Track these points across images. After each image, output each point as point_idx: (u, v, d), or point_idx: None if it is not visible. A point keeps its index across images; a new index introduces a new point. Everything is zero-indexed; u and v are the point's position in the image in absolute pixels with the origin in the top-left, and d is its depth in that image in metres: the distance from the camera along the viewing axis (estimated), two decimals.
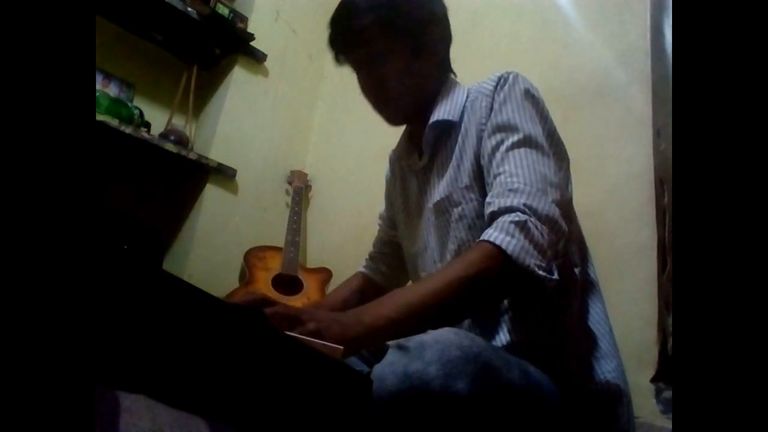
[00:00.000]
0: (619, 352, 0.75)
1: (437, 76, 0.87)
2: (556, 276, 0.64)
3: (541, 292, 0.64)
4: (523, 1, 1.40)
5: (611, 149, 1.08)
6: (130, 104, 1.63)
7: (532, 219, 0.64)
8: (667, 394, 0.89)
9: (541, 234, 0.64)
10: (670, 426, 0.86)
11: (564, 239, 0.68)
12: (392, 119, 0.88)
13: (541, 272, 0.62)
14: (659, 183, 1.01)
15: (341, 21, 0.83)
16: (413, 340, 0.53)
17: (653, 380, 0.91)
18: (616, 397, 0.71)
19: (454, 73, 0.91)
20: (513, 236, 0.62)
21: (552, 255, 0.65)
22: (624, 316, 0.90)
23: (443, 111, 0.82)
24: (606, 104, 1.12)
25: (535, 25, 1.35)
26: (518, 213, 0.65)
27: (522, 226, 0.63)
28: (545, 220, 0.65)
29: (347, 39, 0.83)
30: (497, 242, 0.62)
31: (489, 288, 0.63)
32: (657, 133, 1.04)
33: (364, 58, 0.82)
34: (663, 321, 0.94)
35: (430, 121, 0.82)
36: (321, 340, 0.52)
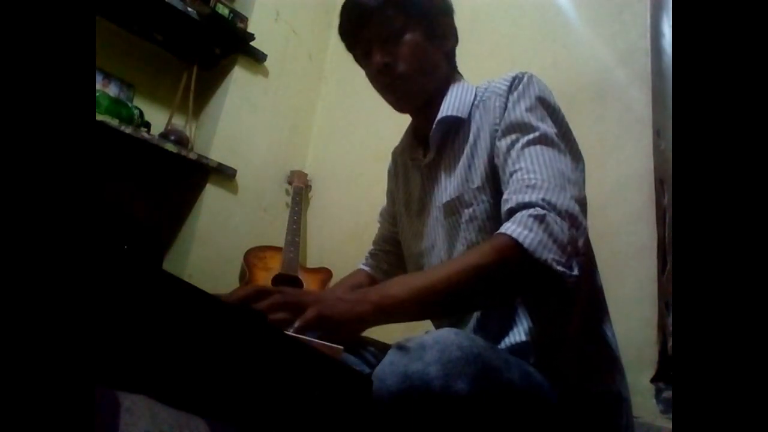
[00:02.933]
0: (621, 358, 0.75)
1: (445, 69, 0.86)
2: (576, 272, 0.61)
3: (559, 288, 0.61)
4: (523, 1, 1.40)
5: (611, 149, 1.08)
6: (130, 104, 1.63)
7: (552, 214, 0.62)
8: (667, 394, 0.89)
9: (561, 229, 0.61)
10: (670, 426, 0.86)
11: (584, 236, 0.66)
12: (401, 101, 0.86)
13: (559, 267, 0.60)
14: (659, 183, 1.01)
15: (356, 1, 0.82)
16: (413, 341, 0.52)
17: (653, 380, 0.91)
18: (616, 401, 0.71)
19: (460, 73, 0.90)
20: (531, 230, 0.60)
21: (572, 251, 0.62)
22: (624, 316, 0.90)
23: (451, 107, 0.81)
24: (606, 104, 1.12)
25: (535, 25, 1.35)
26: (537, 208, 0.63)
27: (541, 219, 0.61)
28: (565, 215, 0.63)
29: (364, 15, 0.81)
30: (514, 235, 0.60)
31: (502, 280, 0.62)
32: (657, 133, 1.04)
33: (380, 34, 0.81)
34: (663, 321, 0.94)
35: (438, 117, 0.81)
36: (327, 321, 0.52)
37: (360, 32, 0.83)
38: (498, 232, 0.63)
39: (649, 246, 0.97)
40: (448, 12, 0.87)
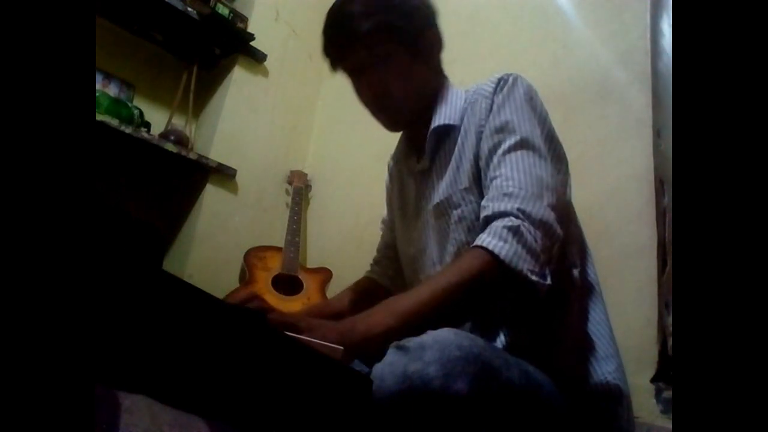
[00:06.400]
0: (619, 354, 0.75)
1: (434, 80, 0.86)
2: (549, 281, 0.64)
3: (533, 296, 0.64)
4: (523, 1, 1.40)
5: (611, 149, 1.08)
6: (130, 104, 1.63)
7: (526, 224, 0.64)
8: (667, 394, 0.89)
9: (535, 239, 0.64)
10: (670, 426, 0.86)
11: (558, 243, 0.68)
12: (392, 125, 0.87)
13: (534, 277, 0.62)
14: (659, 183, 1.01)
15: (339, 26, 0.80)
16: (413, 341, 0.53)
17: (653, 380, 0.91)
18: (616, 397, 0.71)
19: (446, 77, 0.91)
20: (506, 241, 0.63)
21: (545, 260, 0.65)
22: (624, 316, 0.90)
23: (444, 116, 0.82)
24: (606, 104, 1.12)
25: (535, 25, 1.35)
26: (511, 218, 0.65)
27: (515, 231, 0.63)
28: (539, 224, 0.65)
29: (347, 43, 0.80)
30: (490, 247, 0.62)
31: (482, 292, 0.64)
32: (657, 133, 1.04)
33: (365, 62, 0.80)
34: (663, 321, 0.94)
35: (432, 126, 0.82)
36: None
37: (347, 56, 0.81)
38: (474, 244, 0.65)
39: (649, 246, 0.97)
40: (432, 22, 0.84)
